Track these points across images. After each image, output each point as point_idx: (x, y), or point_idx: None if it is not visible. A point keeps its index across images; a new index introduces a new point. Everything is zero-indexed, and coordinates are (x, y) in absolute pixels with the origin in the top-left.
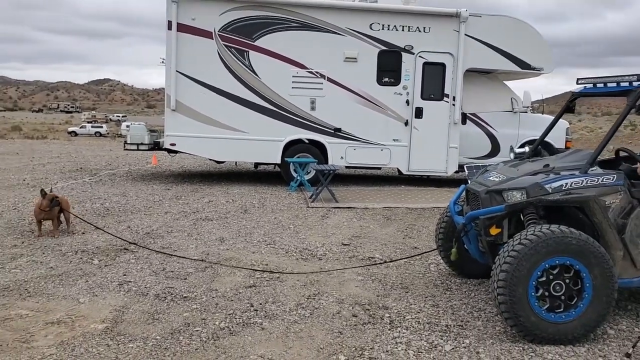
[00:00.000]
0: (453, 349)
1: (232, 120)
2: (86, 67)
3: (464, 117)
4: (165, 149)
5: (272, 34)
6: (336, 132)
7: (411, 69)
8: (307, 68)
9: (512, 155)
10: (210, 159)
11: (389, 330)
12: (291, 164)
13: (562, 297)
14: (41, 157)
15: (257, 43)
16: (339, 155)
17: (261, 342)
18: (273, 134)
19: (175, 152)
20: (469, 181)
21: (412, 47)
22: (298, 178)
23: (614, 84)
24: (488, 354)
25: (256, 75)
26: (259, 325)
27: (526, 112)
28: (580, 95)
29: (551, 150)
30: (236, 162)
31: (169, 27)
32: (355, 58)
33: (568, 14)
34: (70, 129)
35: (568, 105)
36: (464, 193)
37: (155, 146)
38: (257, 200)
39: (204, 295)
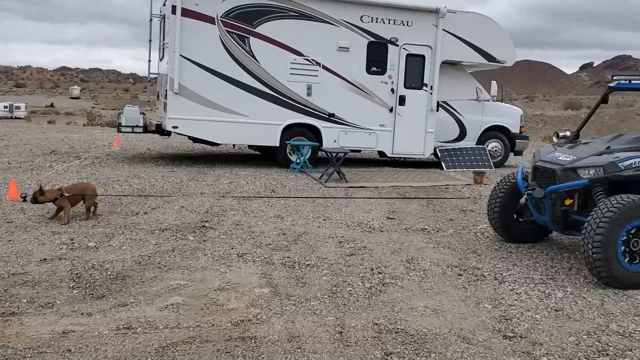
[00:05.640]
0: (564, 295)
1: (233, 104)
2: None
3: (437, 105)
4: (159, 132)
5: (272, 21)
6: (330, 117)
7: (396, 59)
8: (304, 55)
9: (555, 139)
10: (210, 141)
11: (500, 284)
12: (287, 146)
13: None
14: None
15: (258, 30)
16: (333, 139)
17: (411, 296)
18: (272, 118)
19: (169, 134)
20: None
21: (397, 40)
22: (299, 160)
23: None
24: (594, 298)
25: (256, 60)
26: (394, 284)
27: (488, 101)
28: (615, 89)
29: (508, 134)
30: (234, 145)
31: (173, 12)
32: (348, 48)
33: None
34: None
35: (604, 97)
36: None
37: (147, 129)
38: (274, 182)
39: (321, 263)
